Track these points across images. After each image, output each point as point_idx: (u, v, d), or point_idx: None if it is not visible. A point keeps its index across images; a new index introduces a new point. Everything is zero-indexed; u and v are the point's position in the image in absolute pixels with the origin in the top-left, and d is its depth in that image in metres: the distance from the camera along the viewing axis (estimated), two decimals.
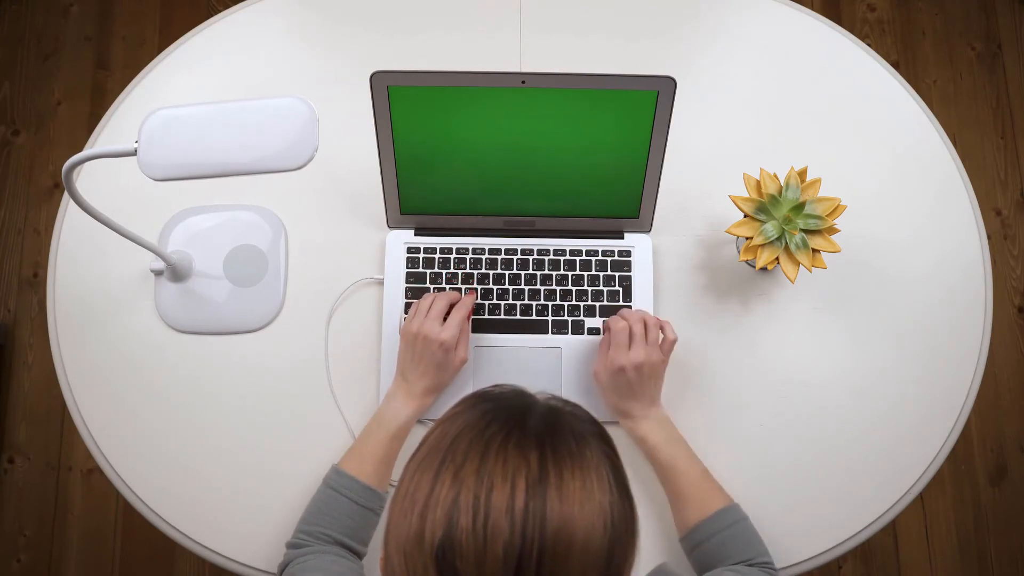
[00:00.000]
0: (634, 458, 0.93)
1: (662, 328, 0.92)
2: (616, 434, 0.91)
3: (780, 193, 0.92)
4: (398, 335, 0.97)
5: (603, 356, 0.92)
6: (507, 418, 0.60)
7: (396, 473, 0.91)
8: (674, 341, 0.91)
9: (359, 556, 0.85)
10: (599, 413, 0.81)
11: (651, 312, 0.98)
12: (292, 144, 0.72)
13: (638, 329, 0.90)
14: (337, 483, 0.86)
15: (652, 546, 0.92)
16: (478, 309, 0.98)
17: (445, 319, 0.91)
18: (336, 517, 0.84)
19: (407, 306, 0.98)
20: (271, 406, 0.97)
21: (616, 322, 0.91)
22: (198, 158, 0.71)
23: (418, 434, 0.94)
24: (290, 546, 0.84)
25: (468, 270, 0.99)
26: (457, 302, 0.93)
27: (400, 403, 0.91)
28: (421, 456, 0.60)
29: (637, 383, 0.89)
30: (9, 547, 1.64)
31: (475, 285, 0.99)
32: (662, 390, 0.93)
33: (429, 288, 0.98)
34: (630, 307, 0.98)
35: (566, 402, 0.65)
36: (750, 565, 0.82)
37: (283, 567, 0.82)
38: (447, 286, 0.98)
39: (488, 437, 0.58)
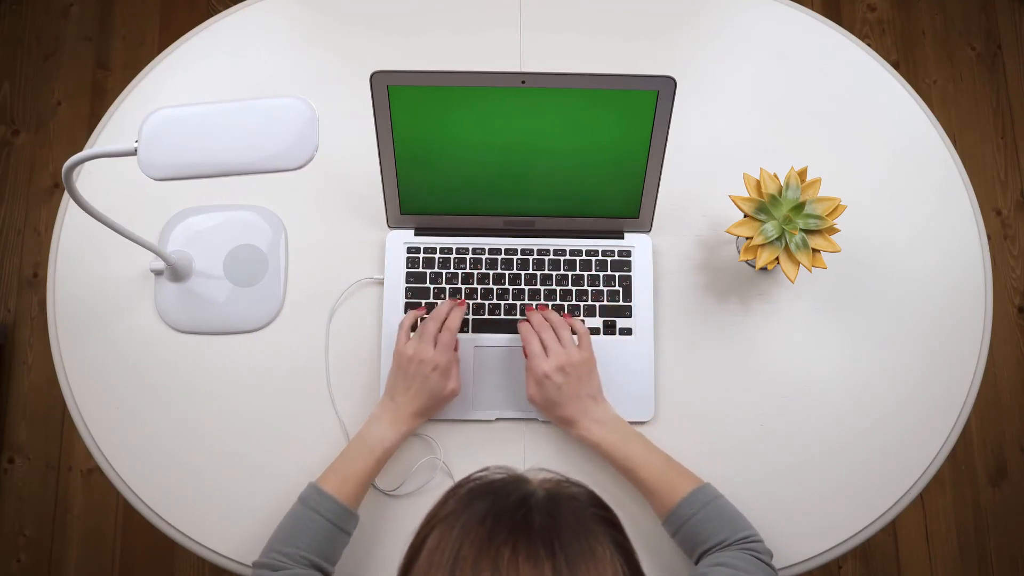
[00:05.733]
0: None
1: (571, 325, 0.93)
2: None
3: (780, 193, 0.92)
4: (398, 335, 0.96)
5: (528, 378, 0.91)
6: (510, 521, 0.57)
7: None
8: (586, 333, 0.92)
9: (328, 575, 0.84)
10: None
11: (650, 312, 0.98)
12: (292, 144, 0.72)
13: (548, 336, 0.91)
14: (316, 503, 0.84)
15: (642, 539, 0.92)
16: (478, 309, 0.98)
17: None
18: (312, 537, 0.82)
19: (407, 306, 0.98)
20: (271, 406, 0.97)
21: (525, 332, 0.91)
22: (198, 158, 0.71)
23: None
24: (262, 566, 0.81)
25: (468, 270, 0.99)
26: (444, 317, 0.92)
27: (387, 426, 0.89)
28: (423, 569, 0.57)
29: (567, 385, 0.89)
30: (9, 547, 1.64)
31: (475, 285, 0.99)
32: (600, 385, 0.92)
33: (429, 288, 0.98)
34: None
35: (560, 480, 0.62)
36: (727, 546, 0.82)
37: None
38: (447, 286, 0.99)
39: (495, 550, 0.55)
